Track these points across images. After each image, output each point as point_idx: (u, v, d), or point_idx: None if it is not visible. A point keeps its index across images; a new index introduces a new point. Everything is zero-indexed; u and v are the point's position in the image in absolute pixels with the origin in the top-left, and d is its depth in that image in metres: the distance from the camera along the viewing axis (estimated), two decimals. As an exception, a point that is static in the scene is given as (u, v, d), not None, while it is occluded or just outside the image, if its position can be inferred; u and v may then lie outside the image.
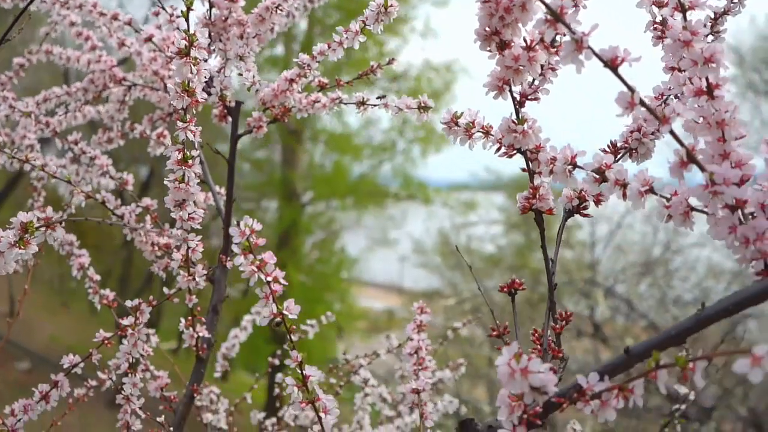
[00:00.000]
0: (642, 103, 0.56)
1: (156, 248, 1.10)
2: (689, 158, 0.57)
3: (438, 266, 10.29)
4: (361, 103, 1.03)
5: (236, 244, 0.68)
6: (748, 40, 9.67)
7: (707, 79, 0.60)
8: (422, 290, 10.07)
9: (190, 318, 1.05)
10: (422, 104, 0.92)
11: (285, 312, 0.70)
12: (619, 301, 6.30)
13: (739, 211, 0.58)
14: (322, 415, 0.72)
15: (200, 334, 1.06)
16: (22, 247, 0.74)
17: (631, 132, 0.76)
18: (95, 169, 1.18)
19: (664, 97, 0.78)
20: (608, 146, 0.77)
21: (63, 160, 1.32)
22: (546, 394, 0.56)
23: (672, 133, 0.57)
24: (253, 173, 11.71)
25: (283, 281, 0.70)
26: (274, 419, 1.51)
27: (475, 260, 9.48)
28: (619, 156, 0.77)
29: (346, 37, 0.98)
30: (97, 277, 1.19)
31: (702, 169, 0.56)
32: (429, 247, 10.96)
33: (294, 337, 0.71)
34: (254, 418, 1.53)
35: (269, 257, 0.70)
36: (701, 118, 0.61)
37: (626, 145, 0.76)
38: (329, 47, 1.00)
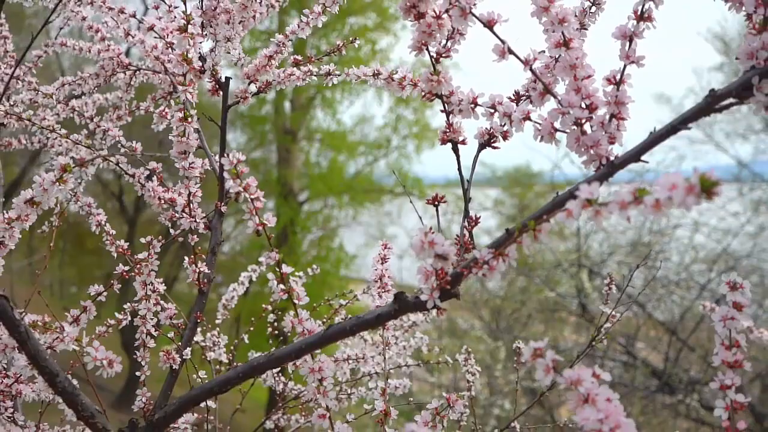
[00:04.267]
0: (510, 51, 0.78)
1: (162, 202, 1.33)
2: (546, 90, 0.80)
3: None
4: (327, 74, 1.26)
5: (226, 170, 0.90)
6: (734, 28, 9.88)
7: (563, 34, 0.82)
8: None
9: (192, 256, 1.28)
10: (376, 72, 1.14)
11: (265, 221, 0.92)
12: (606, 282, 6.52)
13: (587, 127, 0.81)
14: (296, 301, 0.95)
15: (202, 270, 1.28)
16: (62, 183, 0.97)
17: (530, 83, 0.99)
18: (108, 140, 1.40)
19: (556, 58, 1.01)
20: (513, 94, 1.00)
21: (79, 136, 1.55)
22: (447, 260, 0.78)
23: (533, 72, 0.79)
24: (250, 173, 11.91)
25: (262, 199, 0.92)
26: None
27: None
28: (521, 101, 0.99)
29: (311, 18, 1.21)
30: (113, 231, 1.41)
31: (554, 96, 0.79)
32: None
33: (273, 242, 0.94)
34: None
35: (252, 181, 0.92)
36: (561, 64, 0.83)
37: (526, 93, 0.99)
38: (299, 26, 1.24)
